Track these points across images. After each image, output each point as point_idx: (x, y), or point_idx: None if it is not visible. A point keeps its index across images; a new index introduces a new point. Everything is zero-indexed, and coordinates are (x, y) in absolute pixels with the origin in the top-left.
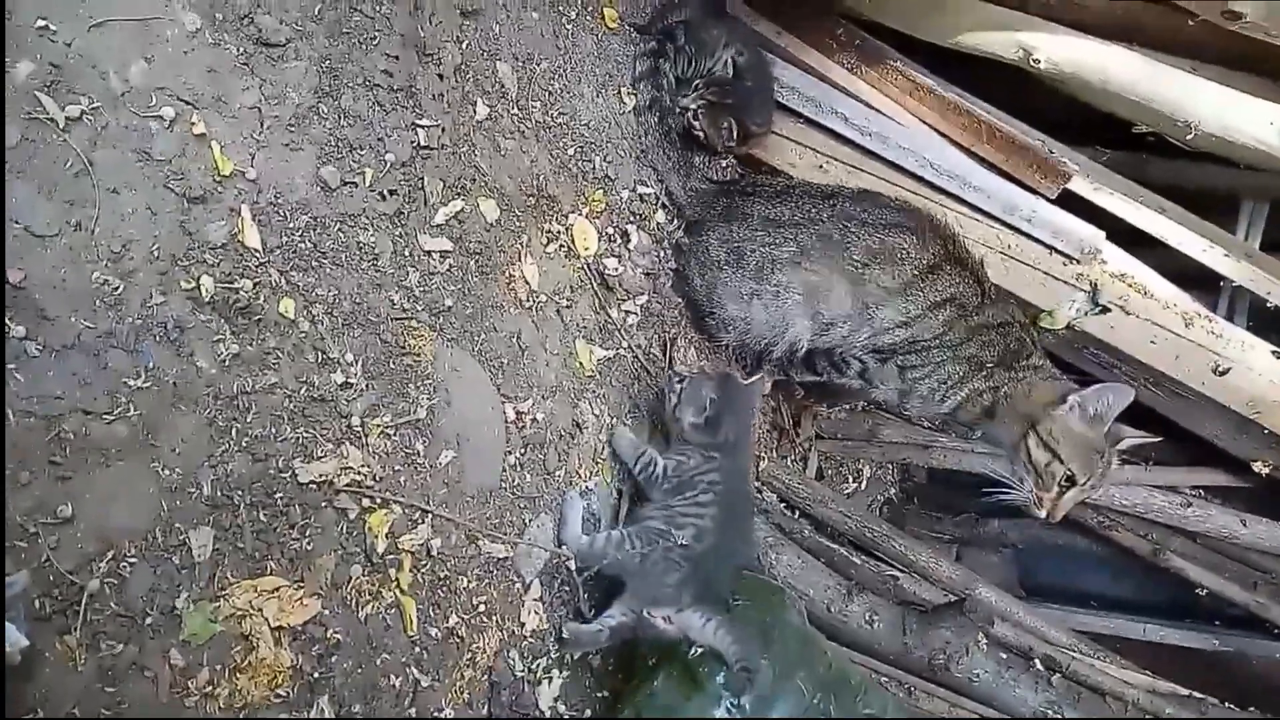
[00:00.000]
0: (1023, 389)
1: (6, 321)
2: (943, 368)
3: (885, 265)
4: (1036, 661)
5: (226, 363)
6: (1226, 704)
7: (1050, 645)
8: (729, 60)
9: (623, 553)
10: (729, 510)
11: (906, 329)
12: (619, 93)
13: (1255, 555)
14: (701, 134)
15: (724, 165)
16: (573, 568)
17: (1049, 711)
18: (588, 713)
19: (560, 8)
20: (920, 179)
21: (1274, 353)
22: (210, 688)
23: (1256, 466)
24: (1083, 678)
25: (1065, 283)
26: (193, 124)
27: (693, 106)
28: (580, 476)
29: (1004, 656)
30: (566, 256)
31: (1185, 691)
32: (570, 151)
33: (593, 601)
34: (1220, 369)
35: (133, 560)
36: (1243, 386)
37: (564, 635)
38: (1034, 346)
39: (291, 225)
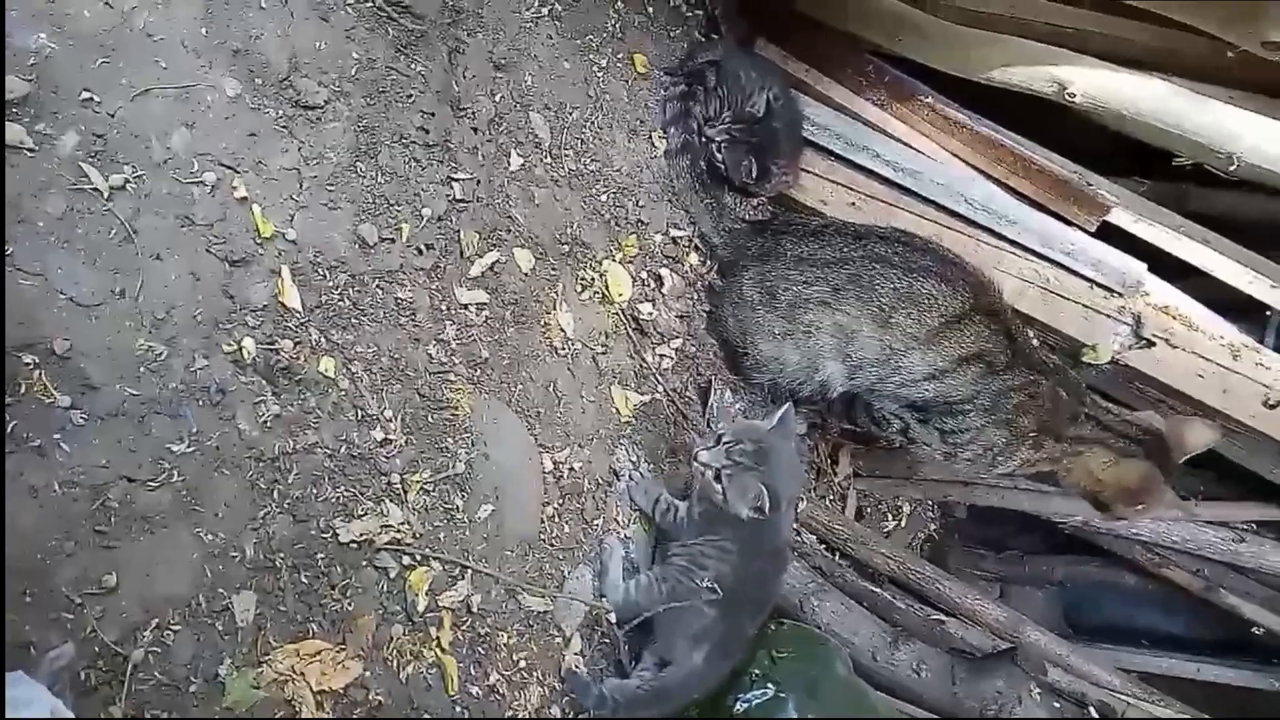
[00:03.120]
0: (1081, 467)
1: (53, 391)
2: (984, 434)
3: (911, 310)
4: (1091, 709)
5: (268, 424)
6: None
7: (1103, 689)
8: (766, 101)
9: (648, 598)
10: (753, 553)
11: (936, 383)
12: (650, 137)
13: None
14: (722, 166)
15: (756, 205)
16: (613, 620)
17: None
18: None
19: (591, 56)
20: (956, 214)
21: None
22: None
23: None
24: None
25: (1108, 316)
26: (234, 188)
27: (718, 139)
28: (618, 524)
29: (1057, 705)
30: (601, 302)
31: None
32: (603, 198)
33: (633, 653)
34: (1270, 401)
35: (176, 628)
36: None
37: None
38: (1077, 407)
39: (331, 284)
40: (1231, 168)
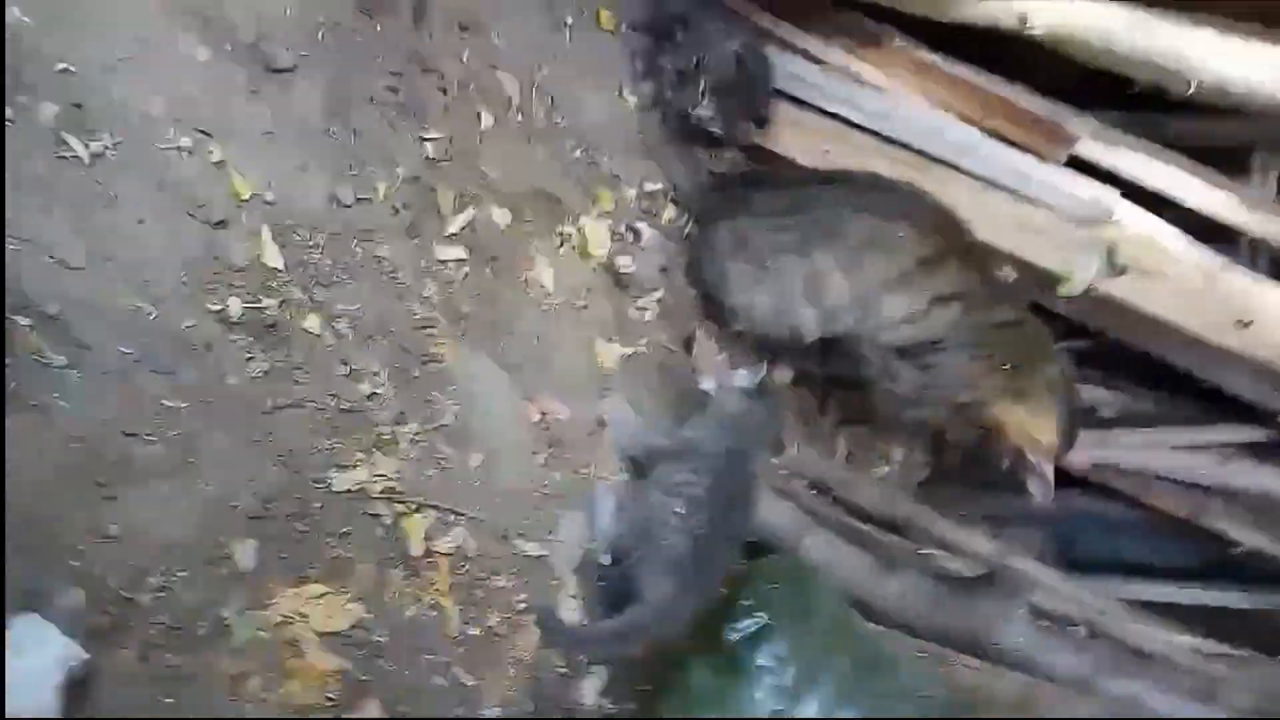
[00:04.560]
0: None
1: (48, 352)
2: (959, 368)
3: (880, 253)
4: (1078, 627)
5: (257, 379)
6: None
7: (1090, 611)
8: (732, 53)
9: (626, 527)
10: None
11: (912, 325)
12: (620, 92)
13: None
14: (695, 119)
15: (728, 156)
16: (606, 562)
17: (1092, 676)
18: (632, 706)
19: (557, 12)
20: (928, 155)
21: None
22: (262, 693)
23: None
24: (1125, 641)
25: (1081, 247)
26: (210, 152)
27: (706, 114)
28: (607, 471)
29: (1043, 625)
30: (580, 257)
31: (1229, 649)
32: (576, 154)
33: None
34: (1244, 321)
35: (182, 574)
36: (1268, 338)
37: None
38: (1049, 347)
39: (311, 243)
40: (1190, 91)
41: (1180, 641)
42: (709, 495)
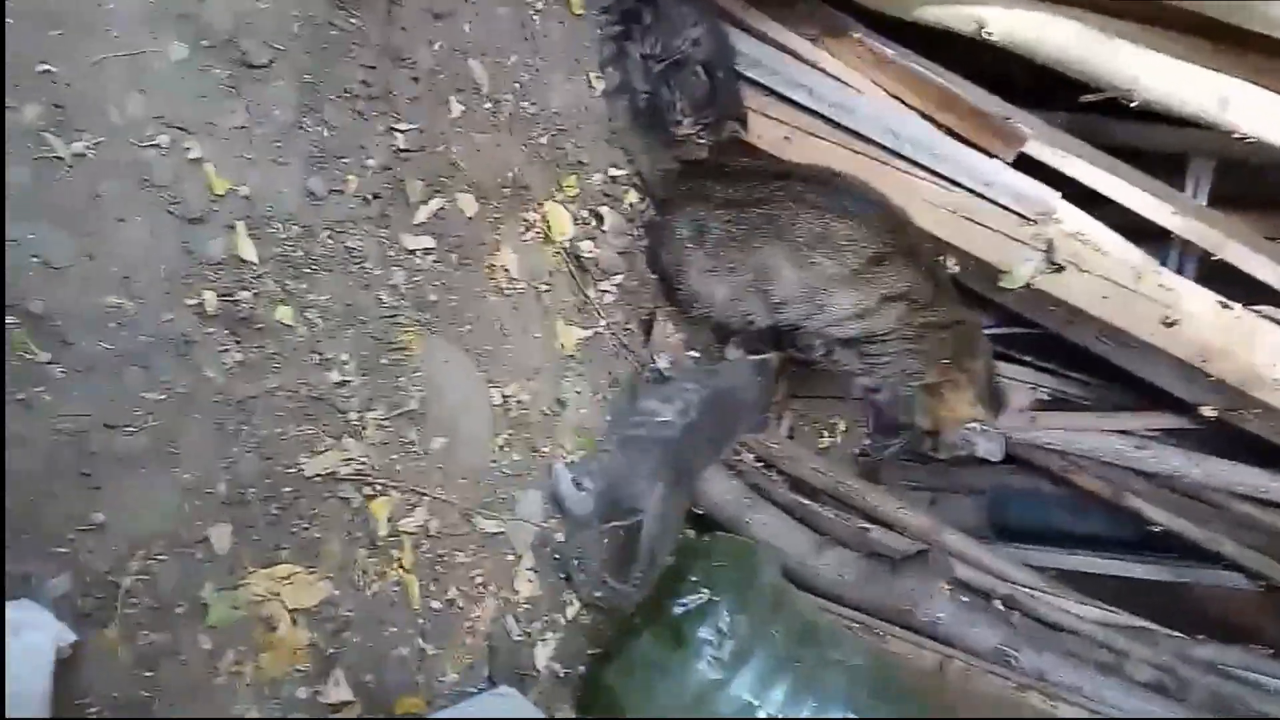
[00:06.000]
0: (950, 394)
1: (34, 348)
2: (902, 359)
3: (829, 251)
4: (996, 602)
5: (233, 370)
6: (1177, 634)
7: (1010, 585)
8: (697, 38)
9: (601, 469)
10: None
11: (860, 321)
12: (588, 78)
13: (1209, 492)
14: (662, 105)
15: (692, 143)
16: (561, 538)
17: (1006, 648)
18: (580, 669)
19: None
20: (884, 147)
21: (1220, 304)
22: (237, 667)
23: (1205, 410)
24: (1039, 614)
25: (1023, 243)
26: (187, 149)
27: (654, 78)
28: (565, 451)
29: (965, 599)
30: (543, 242)
31: (1138, 623)
32: (543, 140)
33: (582, 567)
34: (1169, 320)
35: (162, 557)
36: (1190, 337)
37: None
38: (981, 341)
39: (284, 236)
40: (1133, 102)
41: (1089, 614)
42: (701, 401)
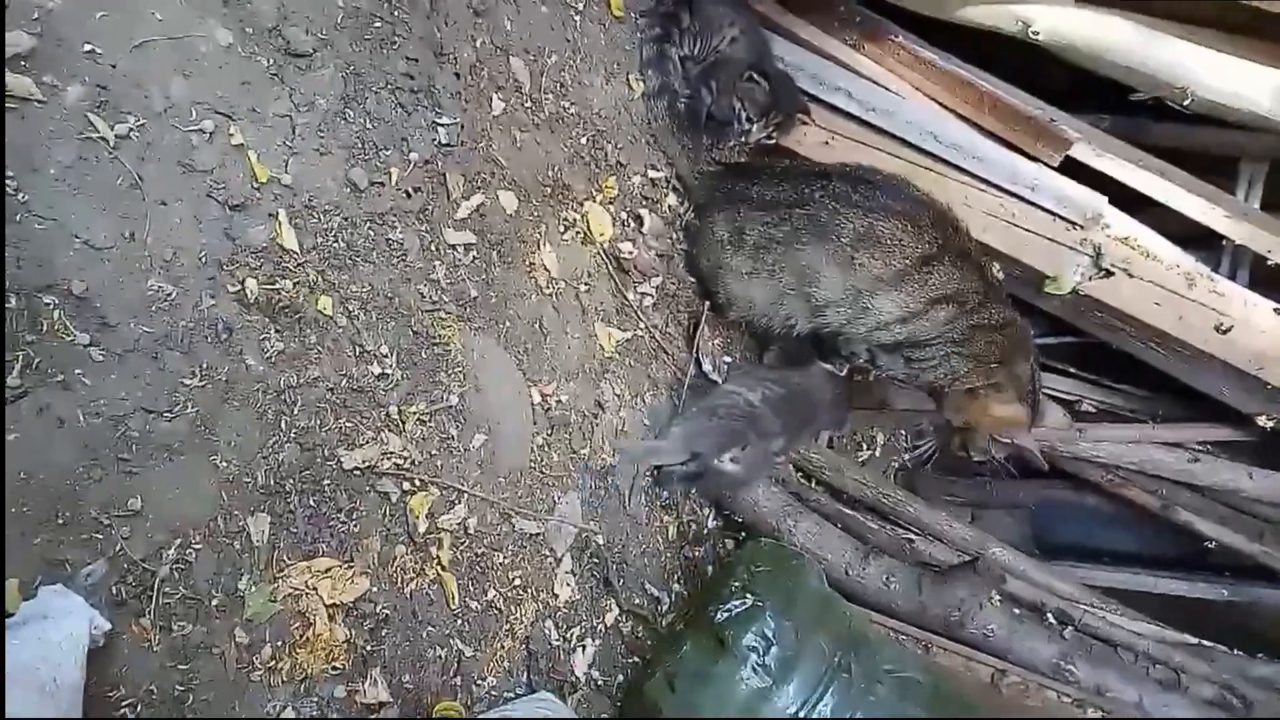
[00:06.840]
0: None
1: (72, 329)
2: (948, 361)
3: (875, 252)
4: (1049, 615)
5: (273, 359)
6: (1236, 651)
7: (1062, 600)
8: (734, 36)
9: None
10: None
11: (905, 325)
12: (628, 80)
13: (1262, 507)
14: (703, 109)
15: (731, 146)
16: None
17: (1061, 663)
18: (619, 678)
19: (567, 0)
20: (925, 152)
21: (1276, 310)
22: (273, 662)
23: (1261, 421)
24: (1094, 630)
25: (1069, 248)
26: (230, 135)
27: (694, 81)
28: (604, 454)
29: (1017, 612)
30: (583, 243)
31: (1194, 640)
32: (583, 140)
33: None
34: (1223, 327)
35: (198, 546)
36: (1245, 344)
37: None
38: (1030, 345)
39: (325, 226)
40: (1186, 102)
41: (1147, 630)
42: (781, 390)
